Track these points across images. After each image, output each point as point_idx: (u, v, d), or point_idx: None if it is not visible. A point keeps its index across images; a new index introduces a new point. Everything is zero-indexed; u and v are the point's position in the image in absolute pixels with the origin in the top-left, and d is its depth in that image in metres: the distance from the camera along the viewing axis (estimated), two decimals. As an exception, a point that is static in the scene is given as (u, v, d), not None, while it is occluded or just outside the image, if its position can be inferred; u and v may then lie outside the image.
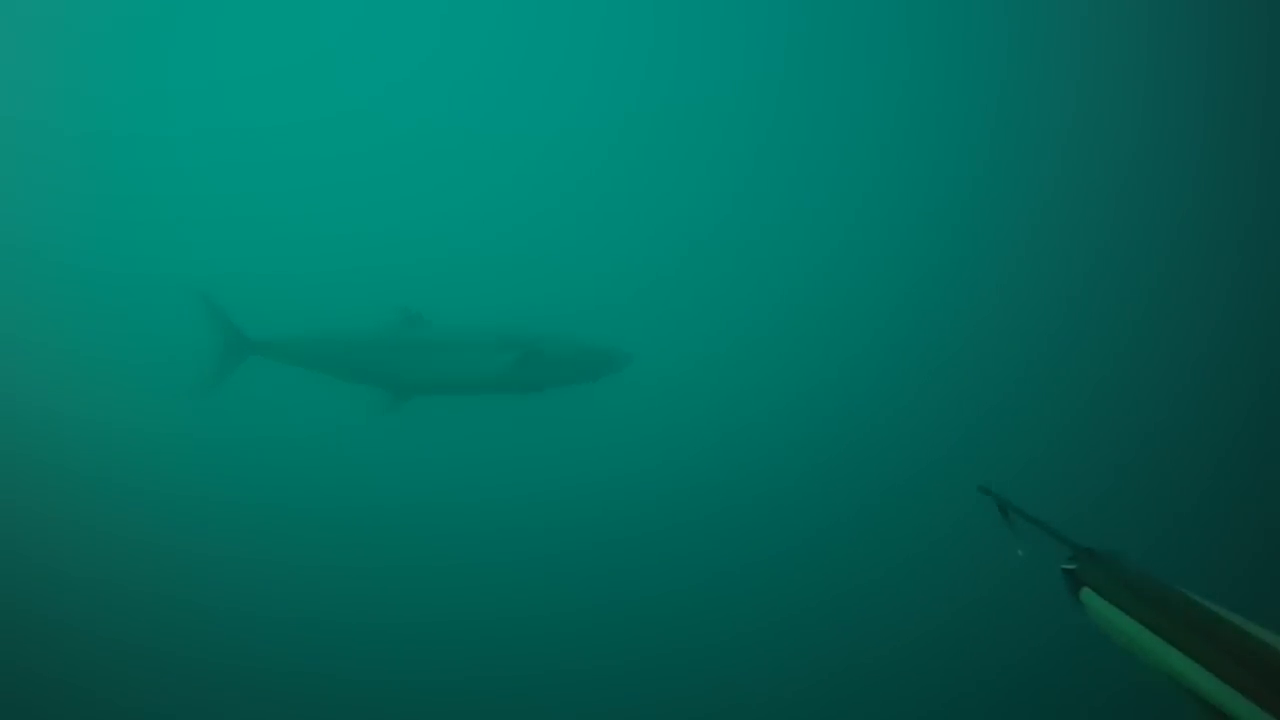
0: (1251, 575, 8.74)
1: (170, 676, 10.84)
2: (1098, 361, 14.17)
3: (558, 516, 13.15)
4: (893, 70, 18.04)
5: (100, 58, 19.99)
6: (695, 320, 16.37)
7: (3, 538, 12.02)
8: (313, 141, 20.20)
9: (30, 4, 19.18)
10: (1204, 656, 1.59)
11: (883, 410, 14.49)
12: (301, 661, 11.25)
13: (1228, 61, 15.63)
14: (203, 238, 18.58)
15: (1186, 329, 14.08)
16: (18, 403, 14.50)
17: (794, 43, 18.78)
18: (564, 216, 19.02)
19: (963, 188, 17.40)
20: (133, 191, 19.68)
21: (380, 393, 9.52)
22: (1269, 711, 1.49)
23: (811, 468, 13.74)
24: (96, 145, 19.82)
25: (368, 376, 9.59)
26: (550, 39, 20.34)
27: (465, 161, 20.02)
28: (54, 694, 10.51)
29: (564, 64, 20.31)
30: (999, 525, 2.12)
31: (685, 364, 14.50)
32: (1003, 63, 17.36)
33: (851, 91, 18.42)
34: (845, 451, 13.89)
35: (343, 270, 17.00)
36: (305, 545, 12.84)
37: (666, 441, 14.24)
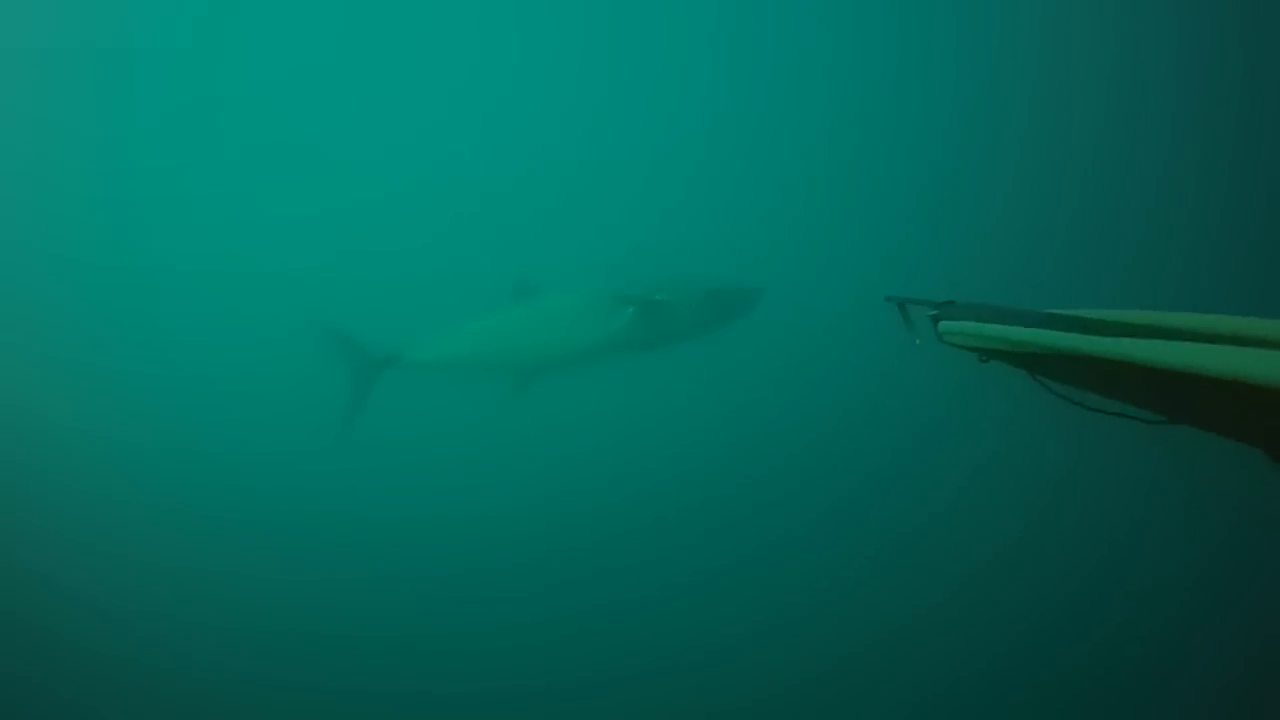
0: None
1: (169, 692, 10.77)
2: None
3: (536, 516, 12.84)
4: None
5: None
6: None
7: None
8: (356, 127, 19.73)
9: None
10: (1008, 320, 2.25)
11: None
12: (299, 676, 11.07)
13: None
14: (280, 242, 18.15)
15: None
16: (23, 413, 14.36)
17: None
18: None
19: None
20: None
21: (507, 381, 9.25)
22: (1085, 332, 2.03)
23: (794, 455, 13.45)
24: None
25: (494, 364, 9.34)
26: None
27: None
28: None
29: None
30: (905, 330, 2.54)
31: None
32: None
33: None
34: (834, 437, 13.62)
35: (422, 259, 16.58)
36: (295, 558, 12.64)
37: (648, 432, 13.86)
